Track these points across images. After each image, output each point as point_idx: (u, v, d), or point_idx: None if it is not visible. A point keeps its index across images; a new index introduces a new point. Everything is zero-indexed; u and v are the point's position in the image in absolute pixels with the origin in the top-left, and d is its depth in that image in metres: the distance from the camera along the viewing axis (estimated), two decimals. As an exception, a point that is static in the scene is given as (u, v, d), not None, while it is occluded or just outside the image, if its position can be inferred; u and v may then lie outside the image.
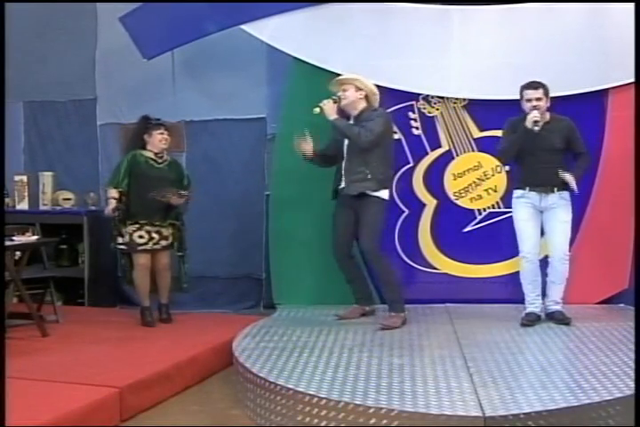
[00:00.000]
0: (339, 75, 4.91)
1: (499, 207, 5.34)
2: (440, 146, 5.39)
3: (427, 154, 5.40)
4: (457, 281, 5.36)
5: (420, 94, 5.35)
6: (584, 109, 5.03)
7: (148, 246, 5.00)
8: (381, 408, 3.05)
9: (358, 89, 4.74)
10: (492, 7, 5.26)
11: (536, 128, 4.43)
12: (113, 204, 4.91)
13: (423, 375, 3.50)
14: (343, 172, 4.76)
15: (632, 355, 3.74)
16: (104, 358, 4.12)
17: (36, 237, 5.04)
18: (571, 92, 5.03)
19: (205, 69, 5.97)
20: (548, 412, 2.99)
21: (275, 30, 5.34)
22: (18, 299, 5.01)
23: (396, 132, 5.21)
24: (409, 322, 4.68)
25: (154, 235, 5.00)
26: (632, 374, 3.43)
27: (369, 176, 4.64)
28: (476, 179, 5.37)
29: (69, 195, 6.20)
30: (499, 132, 4.84)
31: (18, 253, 4.96)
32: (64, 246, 6.07)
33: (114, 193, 4.94)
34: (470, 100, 5.31)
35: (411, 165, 5.39)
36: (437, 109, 5.38)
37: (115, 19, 5.58)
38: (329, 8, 5.30)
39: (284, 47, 5.36)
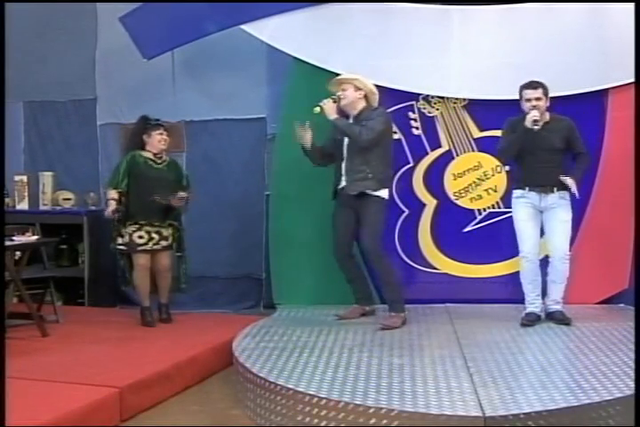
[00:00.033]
0: (339, 75, 4.91)
1: (499, 207, 5.34)
2: (440, 146, 5.39)
3: (427, 154, 5.40)
4: (457, 281, 5.35)
5: (419, 94, 5.35)
6: (584, 109, 5.02)
7: (148, 247, 5.00)
8: (381, 408, 3.04)
9: (357, 89, 4.74)
10: (492, 7, 5.26)
11: (535, 127, 4.43)
12: (113, 205, 4.91)
13: (423, 375, 3.50)
14: (343, 171, 4.76)
15: (632, 355, 3.74)
16: (104, 358, 4.12)
17: (35, 237, 5.04)
18: (571, 92, 5.03)
19: (205, 69, 5.97)
20: (548, 412, 2.99)
21: (275, 30, 5.34)
22: (18, 299, 5.01)
23: (395, 132, 5.21)
24: (409, 322, 4.68)
25: (153, 235, 5.01)
26: (632, 374, 3.43)
27: (370, 175, 4.65)
28: (476, 179, 5.37)
29: (69, 195, 6.19)
30: (499, 132, 4.83)
31: (18, 253, 4.96)
32: (64, 246, 6.07)
33: (113, 194, 4.94)
34: (470, 100, 5.31)
35: (411, 165, 5.39)
36: (437, 109, 5.38)
37: (115, 19, 5.58)
38: (329, 8, 5.30)
39: (284, 47, 5.36)
